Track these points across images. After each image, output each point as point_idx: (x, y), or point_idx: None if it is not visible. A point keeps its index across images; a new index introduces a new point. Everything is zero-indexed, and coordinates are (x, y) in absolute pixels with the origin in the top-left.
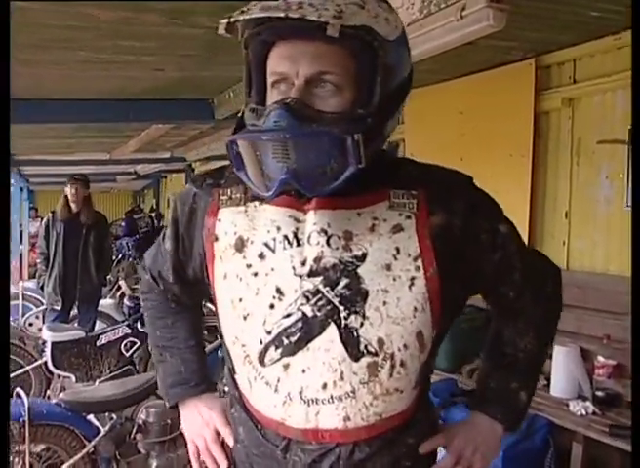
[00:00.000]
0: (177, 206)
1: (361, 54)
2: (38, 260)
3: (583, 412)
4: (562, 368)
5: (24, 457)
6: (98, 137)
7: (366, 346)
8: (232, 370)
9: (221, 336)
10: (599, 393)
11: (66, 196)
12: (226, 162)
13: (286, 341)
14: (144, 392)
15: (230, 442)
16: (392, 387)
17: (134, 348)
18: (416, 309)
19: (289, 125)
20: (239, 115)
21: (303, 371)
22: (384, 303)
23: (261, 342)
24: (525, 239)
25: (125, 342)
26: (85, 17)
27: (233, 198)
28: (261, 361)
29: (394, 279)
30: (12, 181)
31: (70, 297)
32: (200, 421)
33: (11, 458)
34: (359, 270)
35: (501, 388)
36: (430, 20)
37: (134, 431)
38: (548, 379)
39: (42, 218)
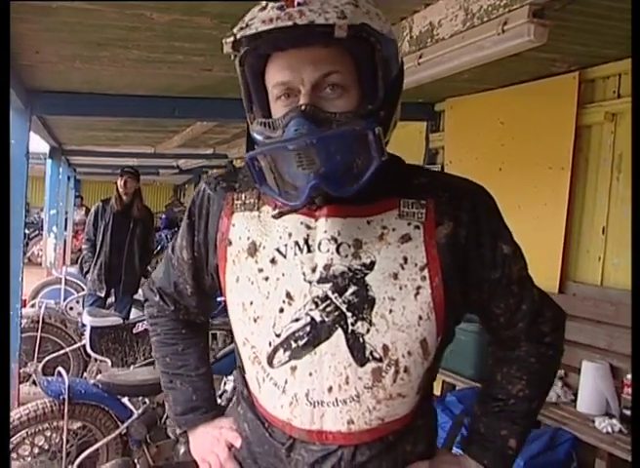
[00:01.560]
0: (193, 211)
1: (361, 51)
2: (84, 246)
3: (609, 430)
4: (590, 384)
5: (62, 433)
6: (144, 132)
7: (371, 352)
8: (242, 370)
9: (233, 337)
10: (627, 411)
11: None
12: None
13: (294, 345)
14: None
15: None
16: (395, 392)
17: None
18: (420, 317)
19: (310, 130)
20: (247, 132)
21: (310, 374)
22: (390, 311)
23: (270, 344)
24: (559, 253)
25: None
26: (140, 18)
27: (247, 203)
28: (270, 362)
29: (400, 287)
30: (59, 170)
31: (113, 286)
32: (210, 439)
33: (49, 433)
34: (367, 278)
35: (490, 434)
36: (473, 33)
37: (164, 416)
38: (575, 394)
39: (86, 207)
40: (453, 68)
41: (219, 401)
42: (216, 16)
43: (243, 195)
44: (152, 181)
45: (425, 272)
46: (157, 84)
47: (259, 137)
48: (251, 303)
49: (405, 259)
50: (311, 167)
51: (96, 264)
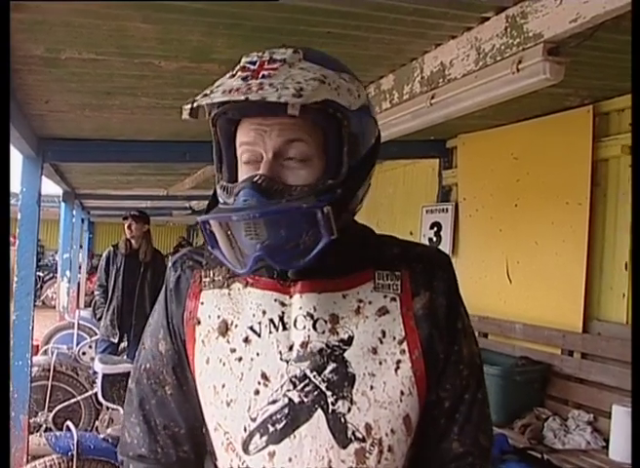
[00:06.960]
0: (165, 296)
1: (326, 124)
2: (96, 292)
3: None
4: (623, 429)
5: None
6: (156, 175)
7: (354, 432)
8: (213, 457)
9: (203, 422)
10: None
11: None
12: None
13: (272, 428)
14: None
15: None
16: None
17: None
18: (402, 393)
19: (258, 203)
20: (212, 193)
21: (290, 460)
22: (371, 387)
23: (246, 429)
24: (582, 291)
25: None
26: (149, 66)
27: (216, 280)
28: (246, 449)
29: (380, 362)
30: (73, 213)
31: (126, 331)
32: None
33: None
34: (346, 354)
35: None
36: (486, 73)
37: None
38: (607, 441)
39: (89, 251)
40: (466, 108)
41: None
42: (224, 62)
43: (211, 272)
44: (166, 222)
45: (404, 345)
46: (167, 129)
47: (220, 201)
48: (223, 386)
49: (383, 333)
50: (258, 238)
51: (108, 309)
